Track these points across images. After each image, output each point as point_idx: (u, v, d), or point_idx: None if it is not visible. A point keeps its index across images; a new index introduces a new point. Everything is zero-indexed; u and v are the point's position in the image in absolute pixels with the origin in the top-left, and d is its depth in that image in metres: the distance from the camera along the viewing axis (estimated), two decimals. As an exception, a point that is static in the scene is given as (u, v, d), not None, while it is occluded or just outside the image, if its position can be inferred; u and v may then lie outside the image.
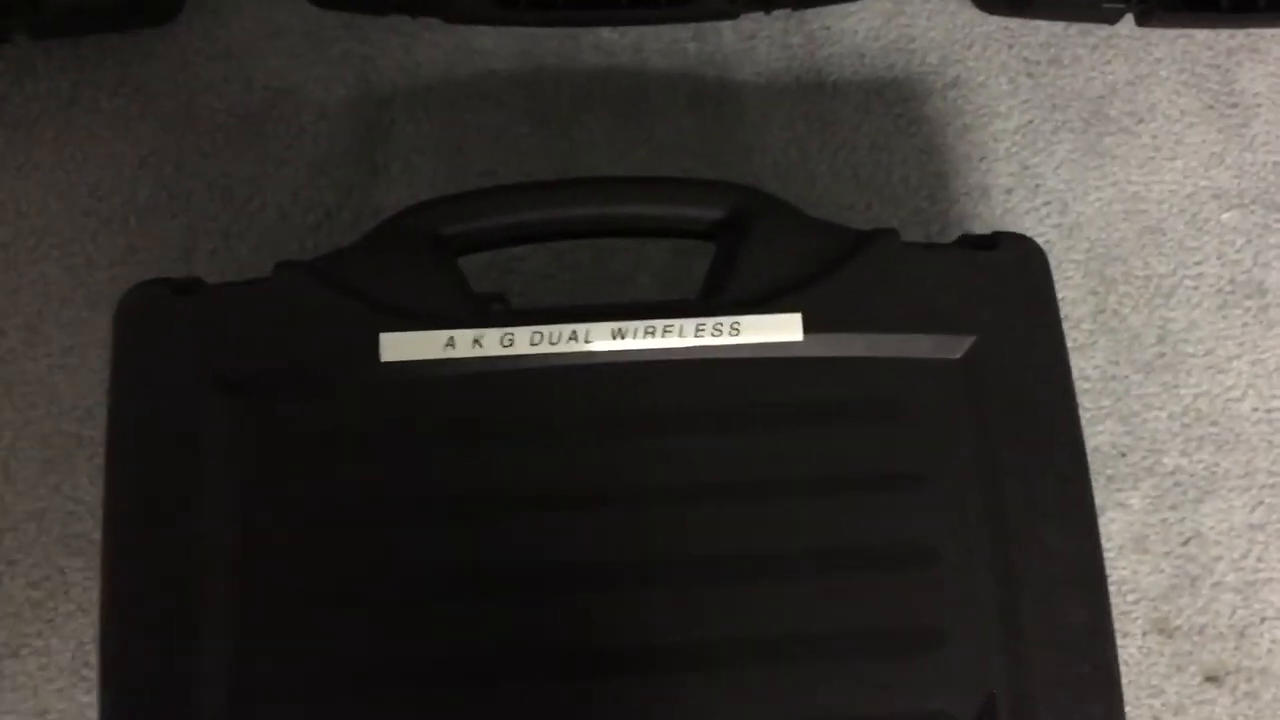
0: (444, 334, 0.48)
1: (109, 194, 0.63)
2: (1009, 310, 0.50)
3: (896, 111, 0.66)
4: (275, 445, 0.47)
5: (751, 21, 0.66)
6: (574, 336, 0.48)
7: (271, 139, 0.64)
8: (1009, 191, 0.65)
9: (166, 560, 0.46)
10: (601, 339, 0.48)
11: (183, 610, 0.45)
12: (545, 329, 0.48)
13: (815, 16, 0.66)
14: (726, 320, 0.49)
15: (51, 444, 0.59)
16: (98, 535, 0.57)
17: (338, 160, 0.64)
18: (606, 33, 0.66)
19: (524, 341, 0.48)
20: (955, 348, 0.49)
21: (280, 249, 0.62)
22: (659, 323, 0.49)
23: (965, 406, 0.49)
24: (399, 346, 0.48)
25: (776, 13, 0.64)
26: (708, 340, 0.49)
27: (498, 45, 0.65)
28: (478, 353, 0.48)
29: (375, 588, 0.46)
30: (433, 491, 0.47)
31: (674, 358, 0.49)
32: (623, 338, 0.49)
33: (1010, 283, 0.50)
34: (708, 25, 0.66)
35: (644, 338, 0.49)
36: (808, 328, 0.49)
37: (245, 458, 0.47)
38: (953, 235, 0.63)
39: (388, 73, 0.65)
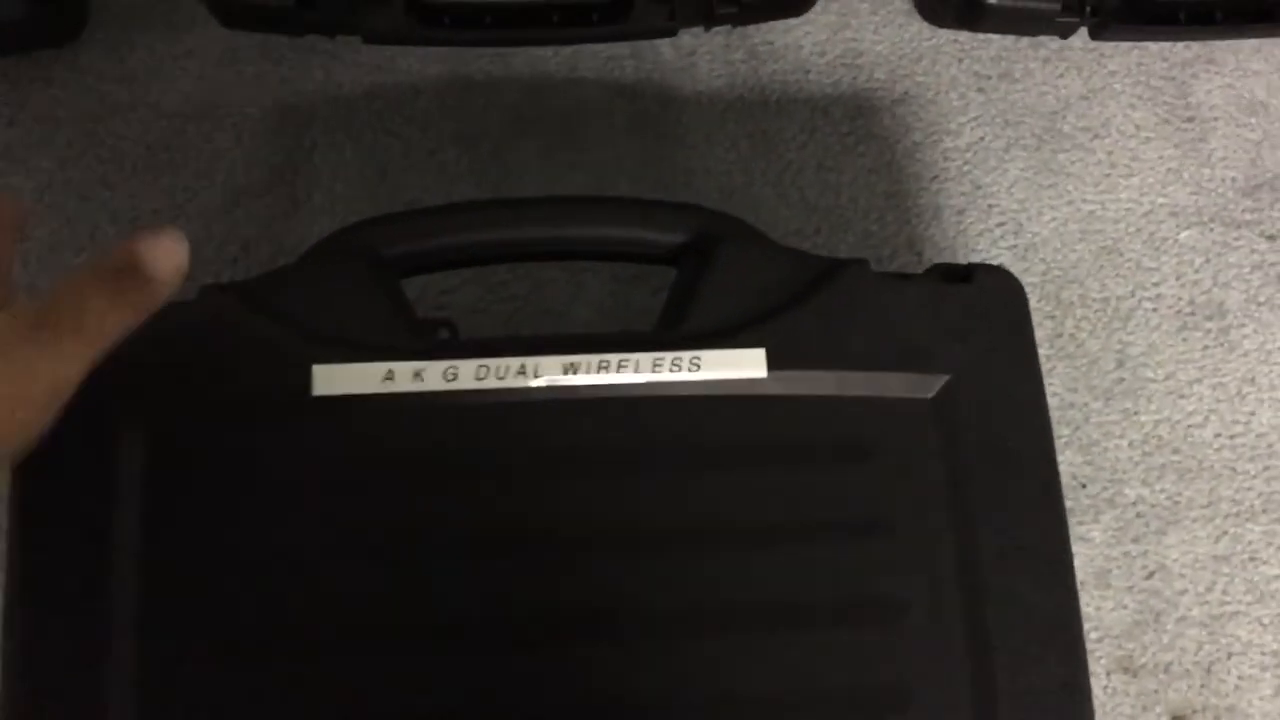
0: (382, 366, 0.45)
1: (6, 230, 0.58)
2: (984, 348, 0.47)
3: (844, 130, 0.63)
4: (194, 486, 0.44)
5: (691, 38, 0.63)
6: (523, 371, 0.45)
7: (182, 168, 0.60)
8: (961, 212, 0.62)
9: (73, 609, 0.42)
10: (552, 374, 0.45)
11: (89, 662, 0.41)
12: (491, 363, 0.45)
13: (757, 32, 0.63)
14: (686, 355, 0.46)
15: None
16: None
17: (255, 189, 0.60)
18: (538, 51, 0.62)
19: (469, 375, 0.45)
20: (928, 387, 0.46)
21: (191, 285, 0.57)
22: (614, 357, 0.45)
23: (937, 449, 0.46)
24: (333, 379, 0.44)
25: (717, 29, 0.61)
26: (665, 376, 0.46)
27: (423, 65, 0.62)
28: (419, 387, 0.45)
29: (303, 637, 0.43)
30: (366, 535, 0.44)
31: (629, 394, 0.45)
32: (575, 372, 0.45)
33: (986, 318, 0.48)
34: (645, 43, 0.63)
35: (598, 373, 0.45)
36: (772, 364, 0.46)
37: (159, 499, 0.43)
38: (904, 259, 0.61)
39: (306, 96, 0.61)
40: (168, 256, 0.37)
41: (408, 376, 0.45)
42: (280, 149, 0.60)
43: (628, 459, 0.45)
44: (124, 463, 0.43)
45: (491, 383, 0.45)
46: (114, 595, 0.42)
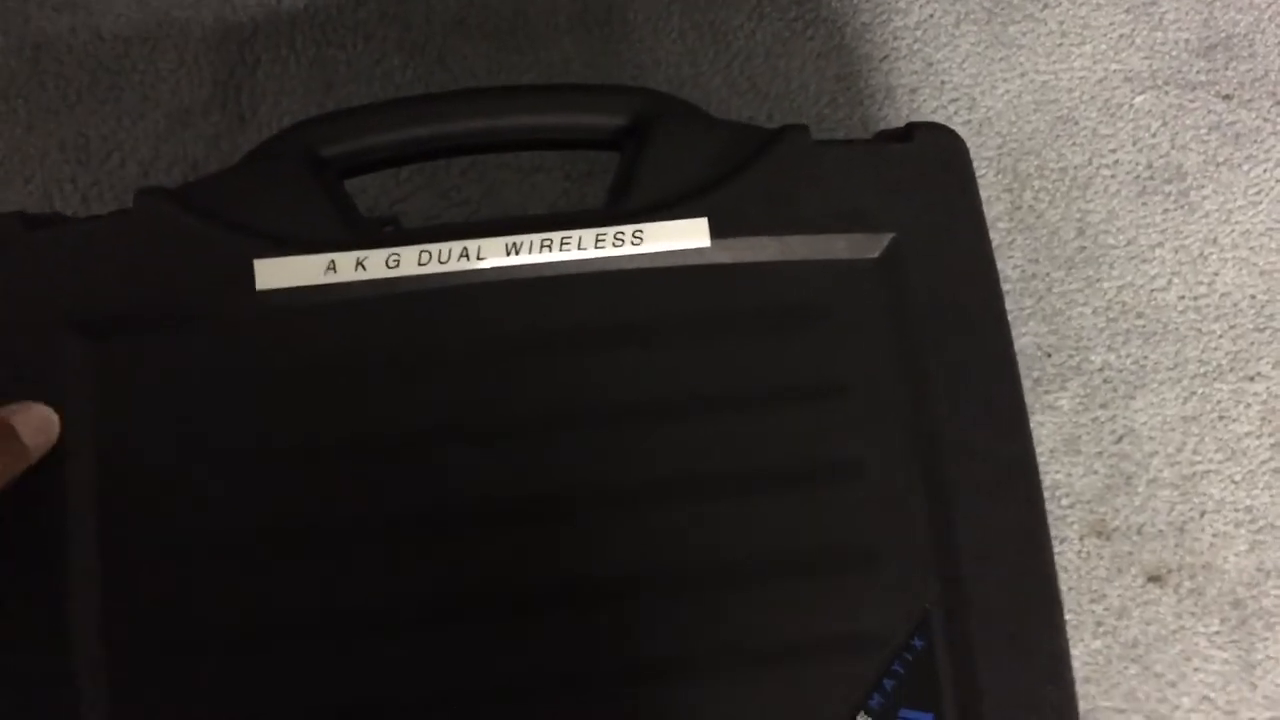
0: (324, 257, 0.44)
1: (-47, 162, 0.58)
2: (927, 204, 0.46)
3: (791, 15, 0.62)
4: (142, 386, 0.43)
5: (630, -71, 0.62)
6: (465, 254, 0.45)
7: (126, 90, 0.59)
8: (914, 91, 0.62)
9: (27, 515, 0.42)
10: (495, 255, 0.45)
11: (49, 573, 0.42)
12: (434, 247, 0.45)
13: (697, -81, 0.63)
14: (628, 229, 0.45)
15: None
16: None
17: (200, 108, 0.59)
18: (477, -49, 0.62)
19: (411, 261, 0.45)
20: (872, 247, 0.46)
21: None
22: (556, 235, 0.45)
23: (886, 308, 0.45)
24: (275, 272, 0.44)
25: (655, -83, 0.60)
26: (609, 251, 0.45)
27: (362, -27, 0.61)
28: (362, 276, 0.44)
29: (258, 534, 0.43)
30: (317, 427, 0.44)
31: (574, 271, 0.45)
32: (518, 253, 0.45)
33: (927, 175, 0.47)
34: (583, -65, 0.62)
35: (540, 251, 0.45)
36: (715, 232, 0.45)
37: (110, 401, 0.43)
38: (853, 136, 0.60)
39: (247, 11, 0.61)
40: (40, 430, 0.41)
41: (350, 266, 0.44)
42: (224, 66, 0.60)
43: (575, 336, 0.45)
44: (68, 371, 0.43)
45: (434, 267, 0.45)
46: (66, 503, 0.42)
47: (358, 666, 0.42)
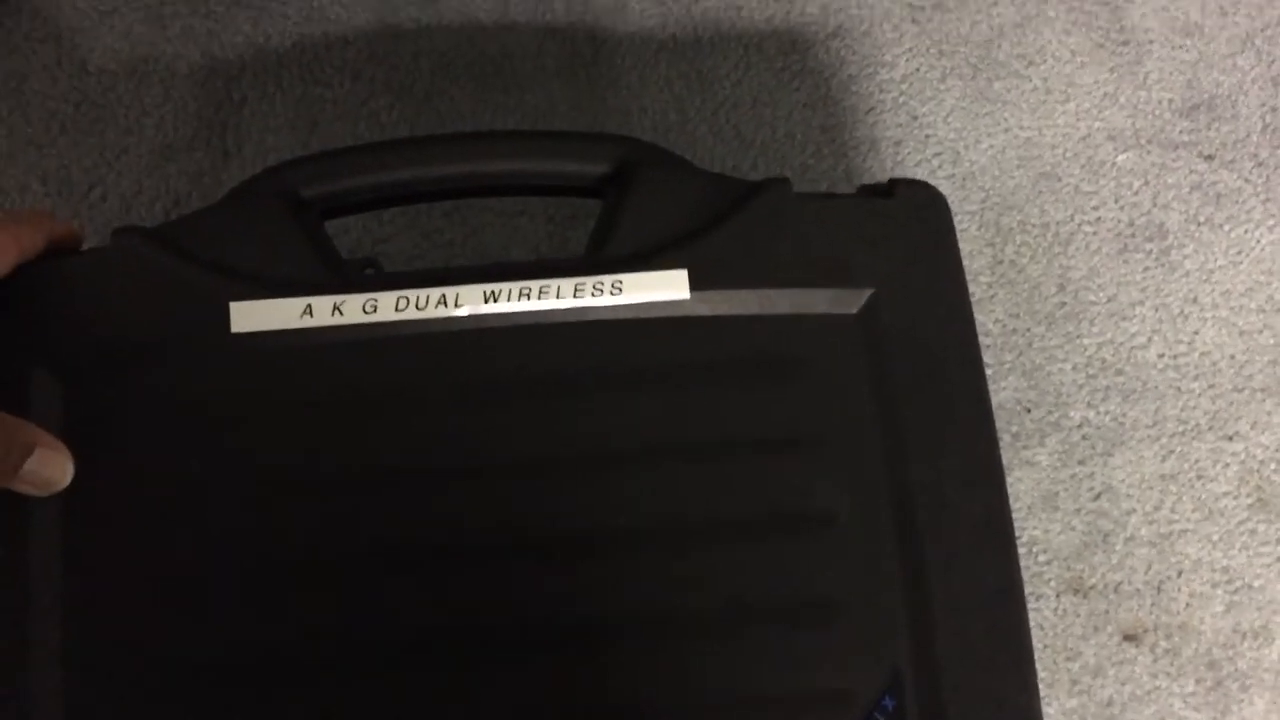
0: (301, 301, 0.44)
1: (-67, 192, 0.58)
2: (908, 260, 0.47)
3: (778, 65, 0.63)
4: (113, 429, 0.43)
5: (619, -24, 0.63)
6: (443, 301, 0.45)
7: (111, 125, 0.59)
8: (898, 143, 0.62)
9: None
10: (473, 303, 0.45)
11: (13, 614, 0.41)
12: (412, 293, 0.44)
13: (686, -32, 0.63)
14: (607, 279, 0.45)
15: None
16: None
17: (185, 144, 0.59)
18: (466, -5, 0.62)
19: (389, 307, 0.44)
20: (852, 302, 0.46)
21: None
22: (535, 284, 0.45)
23: (864, 363, 0.45)
24: (251, 315, 0.44)
25: (644, -35, 0.61)
26: (588, 300, 0.45)
27: (350, 14, 0.61)
28: (339, 321, 0.44)
29: (226, 572, 0.42)
30: (288, 470, 0.43)
31: (552, 320, 0.45)
32: (496, 300, 0.45)
33: (908, 231, 0.47)
34: (572, -18, 0.62)
35: (519, 300, 0.45)
36: (695, 284, 0.45)
37: (79, 444, 0.42)
38: (838, 191, 0.60)
39: (234, 48, 0.61)
40: (58, 470, 0.41)
41: (327, 310, 0.44)
42: (209, 103, 0.60)
43: (552, 385, 0.45)
44: (41, 409, 0.43)
45: (412, 314, 0.45)
46: (35, 539, 0.42)
47: (319, 702, 0.42)
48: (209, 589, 0.42)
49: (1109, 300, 0.60)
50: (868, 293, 0.46)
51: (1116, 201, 0.62)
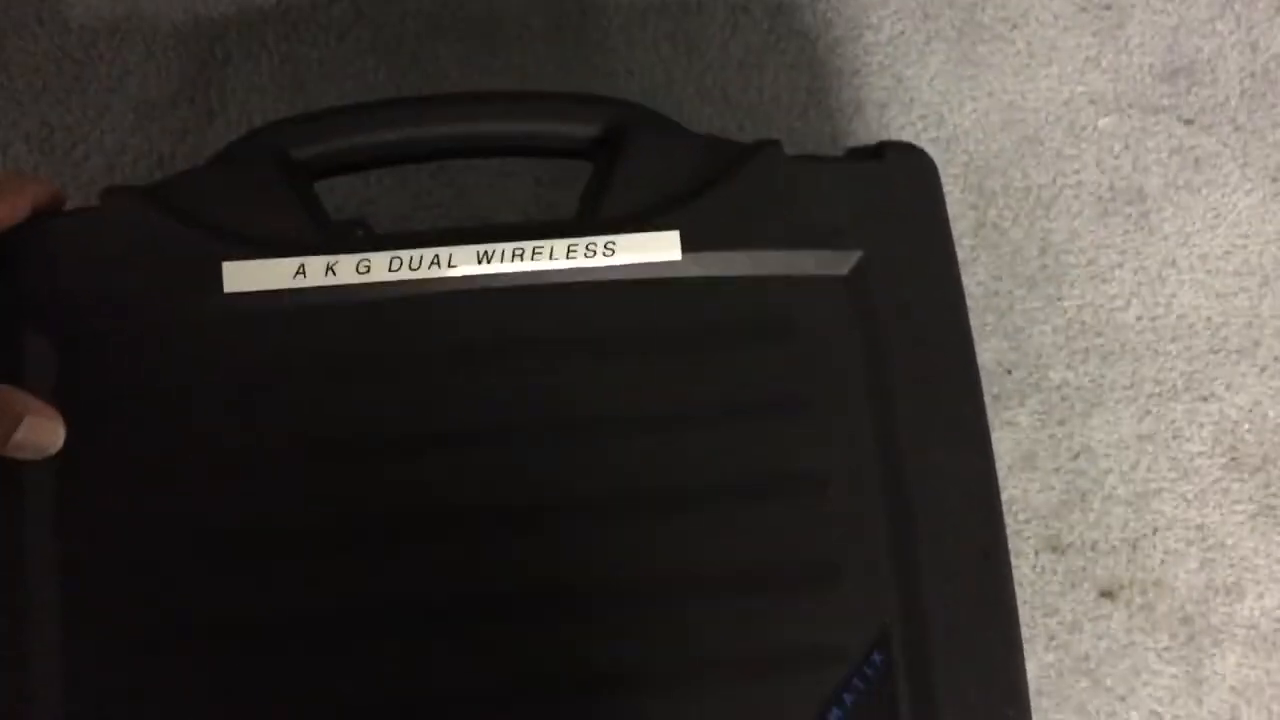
0: (294, 261, 0.44)
1: (-86, 150, 0.57)
2: (897, 223, 0.47)
3: (764, 27, 0.63)
4: (105, 388, 0.43)
5: (606, -63, 0.62)
6: (436, 261, 0.45)
7: (93, 83, 0.59)
8: (883, 106, 0.62)
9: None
10: (466, 263, 0.45)
11: (9, 576, 0.41)
12: (404, 254, 0.45)
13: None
14: (600, 240, 0.45)
15: None
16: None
17: (168, 103, 0.59)
18: (453, -46, 0.62)
19: (381, 267, 0.45)
20: (841, 263, 0.46)
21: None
22: (528, 244, 0.45)
23: (853, 325, 0.46)
24: (244, 275, 0.44)
25: (632, -74, 0.60)
26: (580, 262, 0.45)
27: (336, -28, 0.61)
28: (331, 281, 0.44)
29: (216, 534, 0.43)
30: (281, 430, 0.44)
31: (545, 281, 0.45)
32: (489, 261, 0.45)
33: (897, 194, 0.48)
34: (559, -58, 0.62)
35: (512, 261, 0.45)
36: (686, 246, 0.46)
37: (75, 404, 0.42)
38: (828, 154, 0.61)
39: (218, 6, 0.60)
40: (48, 435, 0.42)
41: (320, 271, 0.44)
42: (193, 61, 0.59)
43: (545, 345, 0.45)
44: (33, 370, 0.43)
45: (405, 274, 0.45)
46: (26, 499, 0.42)
47: (312, 668, 0.43)
48: (199, 549, 0.43)
49: (1089, 263, 0.61)
50: (857, 255, 0.46)
51: (1097, 165, 0.62)
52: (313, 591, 0.43)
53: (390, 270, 0.45)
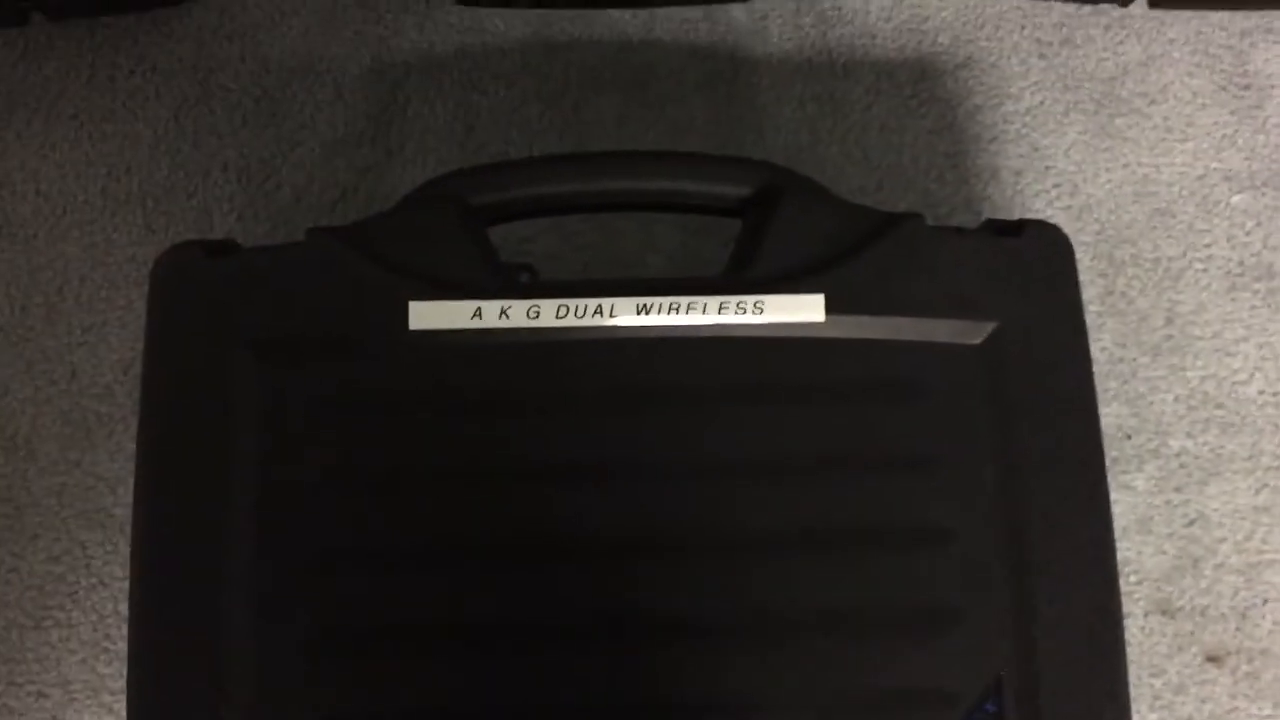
0: (472, 304, 0.49)
1: (126, 174, 0.63)
2: (1031, 298, 0.50)
3: (907, 93, 0.66)
4: (304, 408, 0.48)
5: (763, 2, 0.66)
6: (599, 311, 0.49)
7: (287, 119, 0.64)
8: (1019, 173, 0.65)
9: (196, 518, 0.47)
10: (626, 314, 0.49)
11: (210, 569, 0.46)
12: (571, 302, 0.49)
13: (826, -3, 0.66)
14: (750, 299, 0.49)
15: (71, 420, 0.60)
16: (118, 510, 0.59)
17: (353, 140, 0.64)
18: (617, 14, 0.66)
19: (549, 314, 0.49)
20: (976, 333, 0.49)
21: (295, 228, 0.62)
22: (683, 299, 0.49)
23: (984, 392, 0.49)
24: (427, 315, 0.49)
25: (788, -6, 0.64)
26: (731, 318, 0.49)
27: (509, 26, 0.66)
28: (504, 324, 0.49)
29: (394, 553, 0.47)
30: (456, 460, 0.48)
31: (697, 334, 0.49)
32: (647, 313, 0.49)
33: (1034, 270, 0.51)
34: (719, 7, 0.66)
35: (668, 314, 0.49)
36: (830, 309, 0.49)
37: (274, 419, 0.48)
38: (962, 217, 0.64)
39: (401, 53, 0.65)
40: None
41: (495, 314, 0.49)
42: (376, 103, 0.65)
43: (695, 395, 0.49)
44: (236, 388, 0.48)
45: (570, 321, 0.49)
46: (231, 515, 0.47)
47: (455, 676, 0.47)
48: (375, 562, 0.47)
49: (1214, 335, 0.63)
50: (991, 325, 0.49)
51: (1228, 241, 0.64)
52: (467, 602, 0.47)
53: (557, 317, 0.49)
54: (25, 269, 0.62)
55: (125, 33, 0.65)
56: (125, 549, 0.49)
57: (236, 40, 0.65)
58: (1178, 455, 0.61)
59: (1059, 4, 0.67)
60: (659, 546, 0.48)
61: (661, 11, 0.66)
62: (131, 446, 0.48)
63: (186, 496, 0.47)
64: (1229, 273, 0.64)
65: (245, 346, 0.48)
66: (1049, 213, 0.64)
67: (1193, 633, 0.60)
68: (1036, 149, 0.65)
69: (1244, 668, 0.59)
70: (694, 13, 0.66)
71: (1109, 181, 0.65)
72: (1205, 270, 0.64)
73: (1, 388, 0.61)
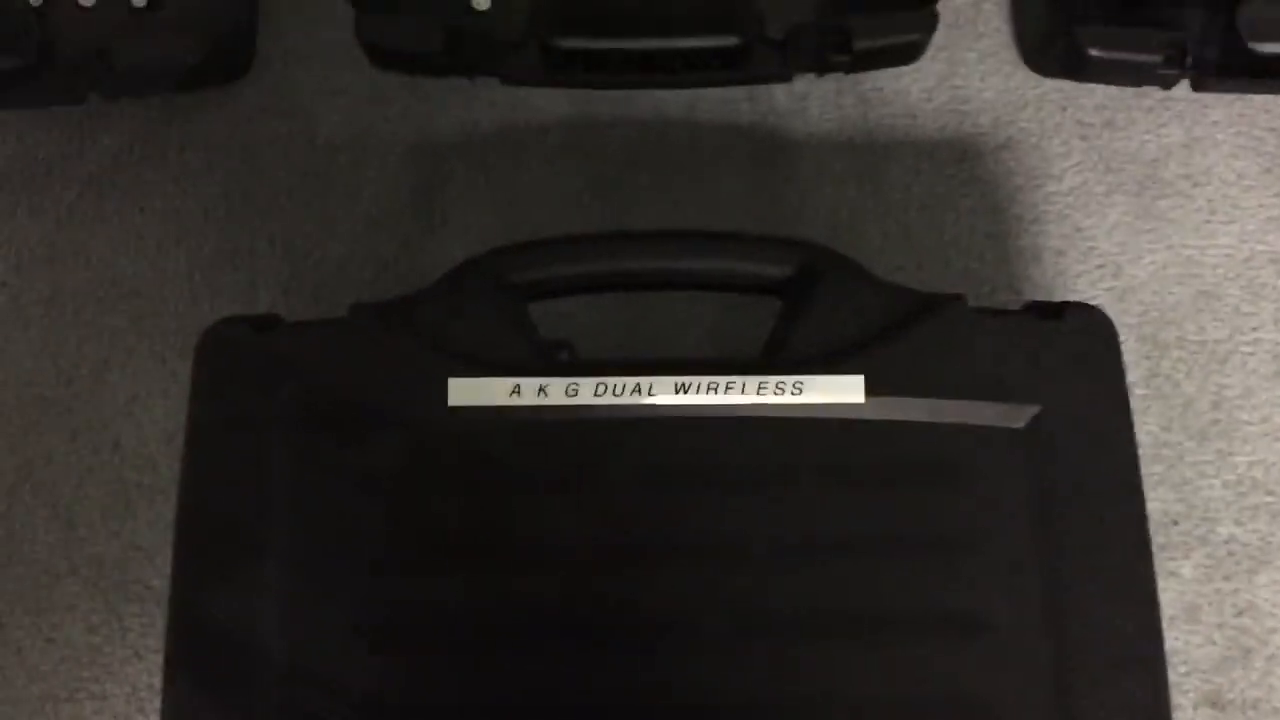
0: (511, 381, 0.49)
1: (175, 247, 0.65)
2: (1074, 382, 0.50)
3: (948, 173, 0.66)
4: (345, 480, 0.49)
5: (804, 83, 0.67)
6: (637, 390, 0.49)
7: (331, 194, 0.65)
8: (1061, 254, 0.64)
9: (232, 590, 0.47)
10: (665, 393, 0.49)
11: (243, 643, 0.46)
12: (609, 380, 0.49)
13: (867, 78, 0.67)
14: (790, 379, 0.49)
15: (113, 491, 0.61)
16: (155, 582, 0.59)
17: (396, 214, 0.65)
18: (660, 93, 0.67)
19: (588, 392, 0.49)
20: (1018, 417, 0.49)
21: (338, 301, 0.63)
22: (722, 379, 0.49)
23: (1026, 476, 0.49)
24: (467, 392, 0.49)
25: (829, 75, 0.64)
26: (770, 398, 0.49)
27: (552, 104, 0.66)
28: (543, 401, 0.49)
29: (426, 629, 0.47)
30: (491, 537, 0.48)
31: (736, 414, 0.49)
32: (685, 392, 0.49)
33: (1076, 354, 0.50)
34: (761, 88, 0.66)
35: (707, 393, 0.49)
36: (870, 390, 0.49)
37: (312, 493, 0.48)
38: (1003, 297, 0.63)
39: (445, 131, 0.66)
40: None
41: (533, 391, 0.49)
42: (420, 178, 0.66)
43: (733, 475, 0.49)
44: (276, 462, 0.48)
45: (609, 399, 0.49)
46: (265, 588, 0.47)
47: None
48: (409, 644, 0.47)
49: (1263, 420, 0.62)
50: (1034, 409, 0.49)
51: (1275, 324, 0.63)
52: (497, 683, 0.47)
53: (595, 395, 0.49)
54: (74, 340, 0.63)
55: (177, 111, 0.66)
56: (162, 622, 0.49)
57: (284, 118, 0.66)
58: (1226, 542, 0.60)
59: (1101, 86, 0.66)
60: (698, 630, 0.47)
61: (704, 91, 0.66)
62: (171, 517, 0.49)
63: (222, 568, 0.48)
64: (1277, 356, 0.63)
65: (286, 420, 0.49)
66: (1092, 293, 0.64)
67: (1244, 727, 0.58)
68: (1079, 229, 0.65)
69: (1298, 764, 0.58)
70: (736, 93, 0.67)
71: (1153, 263, 0.64)
72: (1252, 354, 0.63)
73: (45, 456, 0.61)
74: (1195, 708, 0.58)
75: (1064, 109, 0.67)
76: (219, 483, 0.49)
